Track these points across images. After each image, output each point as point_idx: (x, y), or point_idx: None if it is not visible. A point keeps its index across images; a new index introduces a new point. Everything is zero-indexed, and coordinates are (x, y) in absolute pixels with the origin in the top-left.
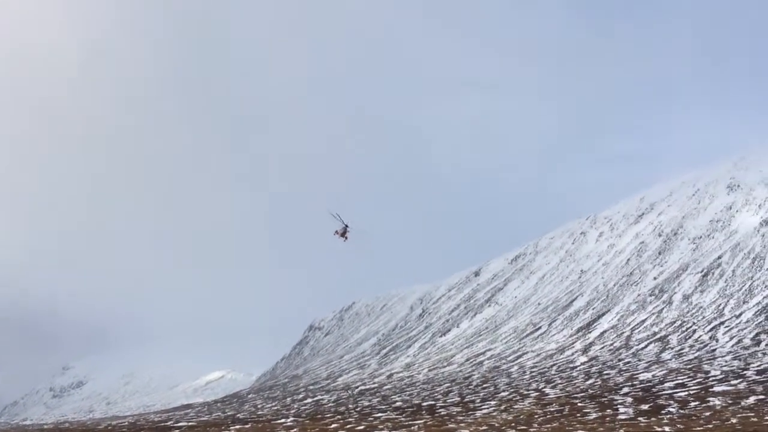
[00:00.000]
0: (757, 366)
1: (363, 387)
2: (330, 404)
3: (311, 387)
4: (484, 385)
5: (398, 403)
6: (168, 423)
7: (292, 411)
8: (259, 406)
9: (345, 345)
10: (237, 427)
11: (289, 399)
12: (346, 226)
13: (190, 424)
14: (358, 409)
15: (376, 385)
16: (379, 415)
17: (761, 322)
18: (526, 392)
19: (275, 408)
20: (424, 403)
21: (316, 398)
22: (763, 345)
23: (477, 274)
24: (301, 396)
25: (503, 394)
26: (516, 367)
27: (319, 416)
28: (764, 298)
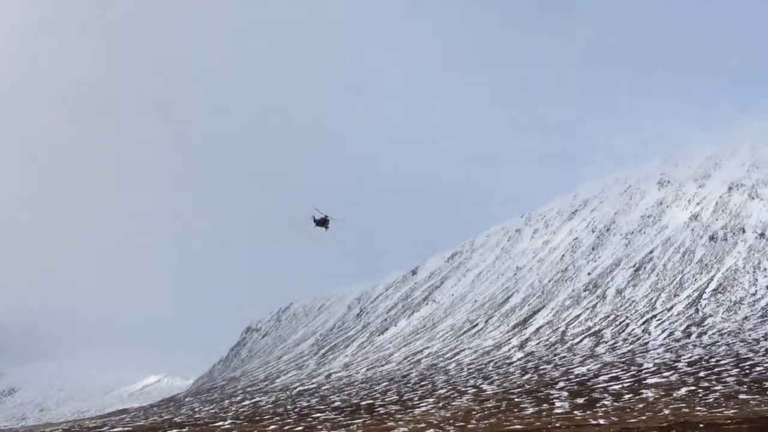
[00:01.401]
0: (689, 357)
1: (301, 387)
2: (268, 406)
3: (249, 389)
4: (422, 383)
5: (337, 403)
6: (103, 429)
7: (230, 413)
8: (196, 410)
9: (283, 346)
10: (174, 431)
11: (226, 401)
12: (326, 216)
13: (125, 429)
14: (297, 409)
15: (314, 385)
16: (318, 415)
17: (691, 314)
18: (463, 389)
19: (213, 411)
20: (363, 402)
21: (254, 400)
22: (693, 337)
23: (414, 272)
24: (239, 398)
25: (441, 391)
26: (454, 365)
27: (258, 418)
28: (694, 291)
